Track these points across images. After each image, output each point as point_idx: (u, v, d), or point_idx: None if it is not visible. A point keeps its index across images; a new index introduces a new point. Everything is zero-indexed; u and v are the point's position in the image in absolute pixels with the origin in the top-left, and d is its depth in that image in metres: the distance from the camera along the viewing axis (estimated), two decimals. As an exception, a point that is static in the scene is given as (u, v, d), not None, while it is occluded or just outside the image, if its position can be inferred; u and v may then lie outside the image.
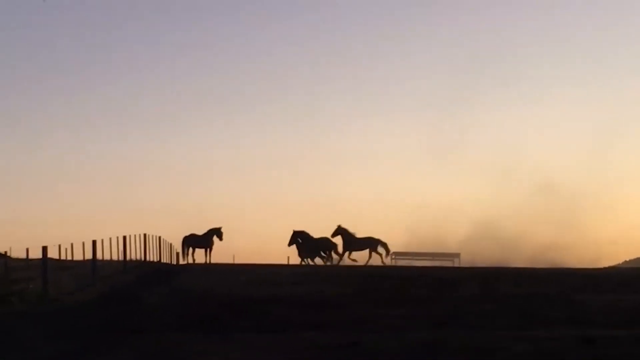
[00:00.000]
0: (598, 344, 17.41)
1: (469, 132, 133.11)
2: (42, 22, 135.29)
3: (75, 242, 38.72)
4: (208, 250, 60.53)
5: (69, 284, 32.25)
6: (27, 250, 37.07)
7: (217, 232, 60.82)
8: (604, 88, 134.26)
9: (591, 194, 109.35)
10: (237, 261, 61.30)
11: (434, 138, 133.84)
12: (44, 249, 29.74)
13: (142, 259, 51.66)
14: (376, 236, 58.90)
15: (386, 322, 21.61)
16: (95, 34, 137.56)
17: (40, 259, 30.05)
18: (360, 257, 59.29)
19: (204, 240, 60.72)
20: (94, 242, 37.01)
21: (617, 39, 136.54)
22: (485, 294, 29.23)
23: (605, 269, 55.75)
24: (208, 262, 59.15)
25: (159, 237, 60.05)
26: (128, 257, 45.31)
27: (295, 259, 59.11)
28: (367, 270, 43.89)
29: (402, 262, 69.85)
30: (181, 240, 61.77)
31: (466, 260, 72.17)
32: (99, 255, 37.49)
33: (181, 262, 61.34)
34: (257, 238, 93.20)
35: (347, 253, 58.65)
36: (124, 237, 44.84)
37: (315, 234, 59.38)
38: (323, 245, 58.97)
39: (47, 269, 29.44)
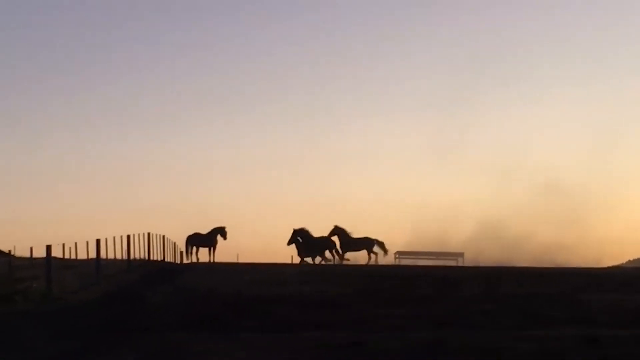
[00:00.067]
0: (601, 344, 17.40)
1: (471, 131, 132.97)
2: (42, 22, 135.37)
3: (79, 241, 38.78)
4: (212, 249, 60.58)
5: (73, 283, 32.30)
6: (31, 249, 37.10)
7: (221, 231, 60.87)
8: (606, 88, 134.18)
9: (594, 193, 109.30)
10: (241, 260, 61.37)
11: (436, 138, 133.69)
12: (48, 247, 29.80)
13: (146, 258, 51.72)
14: (381, 235, 59.03)
15: (389, 322, 21.62)
16: (95, 34, 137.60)
17: (44, 257, 30.10)
18: (359, 257, 59.37)
19: (208, 240, 60.77)
20: (98, 241, 37.07)
21: (617, 38, 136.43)
22: (488, 293, 29.23)
23: (608, 268, 55.75)
24: (212, 261, 59.19)
25: (163, 236, 60.11)
26: (132, 256, 45.38)
27: (297, 258, 59.15)
28: (370, 270, 43.93)
29: (405, 262, 69.83)
30: (185, 239, 61.85)
31: (470, 259, 72.12)
32: (102, 254, 37.56)
33: (185, 261, 61.41)
34: (261, 237, 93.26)
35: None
36: (128, 236, 44.91)
37: (318, 233, 59.43)
38: (323, 245, 59.00)
39: (51, 267, 29.50)
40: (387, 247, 59.75)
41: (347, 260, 58.33)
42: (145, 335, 19.54)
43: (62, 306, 26.44)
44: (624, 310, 24.65)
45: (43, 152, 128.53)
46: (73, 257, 39.28)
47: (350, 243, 58.96)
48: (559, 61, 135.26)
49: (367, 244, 59.01)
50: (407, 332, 19.53)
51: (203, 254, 60.82)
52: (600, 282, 34.61)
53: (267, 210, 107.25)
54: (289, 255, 61.18)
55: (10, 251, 44.18)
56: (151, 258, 53.37)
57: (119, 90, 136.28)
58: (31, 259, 36.20)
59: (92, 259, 37.44)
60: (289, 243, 58.90)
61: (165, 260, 59.54)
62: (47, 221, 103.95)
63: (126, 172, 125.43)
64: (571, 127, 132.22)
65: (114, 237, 41.81)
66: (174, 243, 65.35)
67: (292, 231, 58.83)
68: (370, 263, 57.59)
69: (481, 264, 59.14)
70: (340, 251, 58.97)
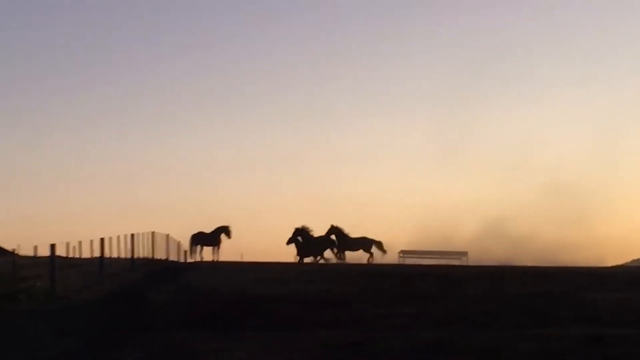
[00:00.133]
0: (606, 343, 17.37)
1: (475, 130, 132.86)
2: (42, 22, 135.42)
3: (83, 240, 38.81)
4: (216, 248, 60.68)
5: (77, 282, 32.31)
6: (35, 248, 37.20)
7: (225, 230, 60.95)
8: (610, 87, 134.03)
9: (598, 192, 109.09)
10: (245, 259, 61.36)
11: (441, 137, 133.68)
12: (52, 246, 29.80)
13: (150, 256, 51.74)
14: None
15: (392, 321, 21.59)
16: (95, 34, 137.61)
17: (48, 256, 30.12)
18: (362, 256, 59.39)
19: (212, 238, 60.87)
20: (102, 240, 37.10)
21: (620, 38, 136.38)
22: (492, 292, 29.20)
23: (612, 267, 55.73)
24: (216, 260, 59.26)
25: (167, 235, 60.16)
26: (136, 255, 45.40)
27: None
28: (373, 269, 43.92)
29: (409, 261, 69.79)
30: (189, 238, 61.91)
31: (474, 258, 72.06)
32: (106, 253, 37.58)
33: (189, 260, 61.45)
34: (266, 236, 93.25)
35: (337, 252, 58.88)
36: (132, 235, 44.92)
37: (321, 233, 59.47)
38: (323, 244, 59.02)
39: (54, 266, 29.50)
40: (385, 247, 59.72)
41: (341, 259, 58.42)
42: (149, 334, 19.53)
43: (65, 305, 26.45)
44: (629, 309, 24.60)
45: (47, 151, 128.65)
46: (77, 256, 39.30)
47: (347, 242, 58.96)
48: (562, 61, 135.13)
49: (364, 243, 59.01)
50: (410, 332, 19.50)
51: (207, 253, 60.93)
52: (604, 281, 34.57)
53: (272, 210, 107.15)
54: (293, 254, 61.23)
55: (14, 250, 44.31)
56: (155, 257, 53.40)
57: (120, 90, 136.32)
58: (35, 257, 36.27)
59: (95, 257, 37.47)
60: (289, 242, 58.89)
61: (169, 259, 59.59)
62: (51, 220, 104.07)
63: (130, 171, 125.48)
64: (575, 127, 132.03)
65: (118, 236, 41.85)
66: (178, 242, 65.41)
67: (293, 230, 58.85)
68: (370, 262, 57.57)
69: (485, 263, 59.10)
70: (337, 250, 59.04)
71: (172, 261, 59.01)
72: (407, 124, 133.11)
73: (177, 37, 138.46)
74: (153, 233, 53.37)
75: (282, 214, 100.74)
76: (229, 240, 61.37)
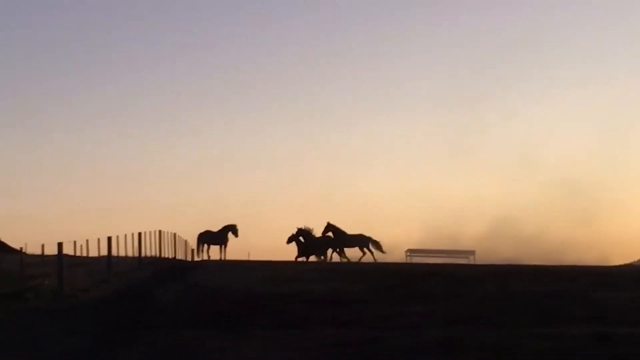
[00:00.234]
0: (613, 342, 17.31)
1: (484, 129, 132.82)
2: (42, 22, 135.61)
3: (90, 239, 38.85)
4: (223, 246, 60.65)
5: (84, 280, 32.35)
6: (43, 246, 37.22)
7: (232, 228, 60.93)
8: (623, 86, 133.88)
9: (605, 191, 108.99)
10: (253, 258, 61.34)
11: (449, 136, 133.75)
12: (59, 245, 29.83)
13: (157, 255, 51.77)
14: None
15: (402, 320, 21.56)
16: (95, 34, 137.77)
17: (55, 255, 30.15)
18: (358, 254, 59.33)
19: (219, 237, 60.84)
20: (109, 239, 37.12)
21: (620, 38, 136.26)
22: (501, 291, 29.14)
23: (619, 266, 55.62)
24: (223, 258, 59.25)
25: (174, 234, 60.21)
26: (143, 254, 45.42)
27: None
28: (382, 268, 43.86)
29: (417, 259, 69.70)
30: (196, 236, 61.91)
31: (482, 257, 71.95)
32: (114, 252, 37.62)
33: (196, 258, 61.46)
34: (273, 235, 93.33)
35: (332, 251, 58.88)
36: (139, 234, 44.96)
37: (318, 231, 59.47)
38: (325, 244, 59.01)
39: (62, 265, 29.53)
40: (385, 249, 59.55)
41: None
42: (156, 332, 19.52)
43: (73, 303, 26.47)
44: (637, 308, 24.51)
45: (54, 150, 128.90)
46: (84, 254, 39.35)
47: (344, 240, 58.93)
48: (571, 60, 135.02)
49: (360, 240, 58.94)
50: (420, 330, 19.46)
51: (214, 252, 60.92)
52: (613, 280, 34.48)
53: (279, 209, 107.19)
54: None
55: (21, 248, 44.29)
56: (162, 255, 53.43)
57: (121, 90, 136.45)
58: (42, 256, 36.31)
59: (103, 256, 37.50)
60: (289, 241, 58.86)
61: (177, 257, 59.62)
62: (59, 219, 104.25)
63: (138, 170, 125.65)
64: (583, 126, 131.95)
65: (125, 235, 41.90)
66: (185, 241, 65.45)
67: (296, 230, 58.82)
68: (375, 260, 57.47)
69: (493, 262, 59.00)
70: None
71: (180, 260, 59.04)
72: (415, 123, 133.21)
73: (177, 37, 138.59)
74: (160, 232, 53.39)
75: (289, 213, 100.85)
76: (236, 239, 61.37)
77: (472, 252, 74.72)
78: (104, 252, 37.37)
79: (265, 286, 30.66)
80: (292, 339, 18.36)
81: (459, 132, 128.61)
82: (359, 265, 49.98)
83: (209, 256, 60.62)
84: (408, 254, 73.72)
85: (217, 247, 60.86)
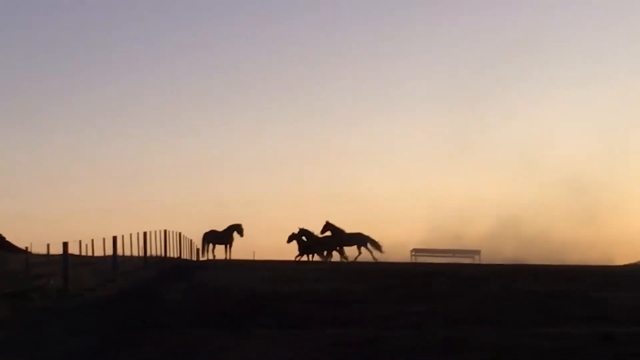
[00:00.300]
0: (617, 341, 17.34)
1: (488, 129, 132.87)
2: (42, 22, 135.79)
3: (95, 238, 39.02)
4: (228, 246, 60.74)
5: (90, 280, 32.46)
6: (48, 246, 37.33)
7: (237, 228, 61.02)
8: (627, 86, 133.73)
9: (608, 191, 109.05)
10: (257, 257, 61.46)
11: (454, 135, 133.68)
12: (65, 244, 29.92)
13: (163, 255, 51.89)
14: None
15: (405, 319, 21.60)
16: (95, 34, 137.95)
17: (61, 254, 30.24)
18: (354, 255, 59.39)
19: (224, 237, 60.93)
20: (115, 238, 37.20)
21: (620, 38, 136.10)
22: (504, 291, 29.17)
23: (623, 266, 55.62)
24: (228, 258, 59.34)
25: (179, 233, 60.34)
26: (148, 253, 45.54)
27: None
28: (385, 267, 43.91)
29: (421, 259, 69.78)
30: (201, 236, 62.01)
31: (486, 257, 72.03)
32: (119, 251, 37.71)
33: (201, 258, 61.57)
34: (278, 235, 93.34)
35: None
36: (145, 233, 45.07)
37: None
38: (326, 244, 59.08)
39: (67, 264, 29.62)
40: (382, 248, 59.57)
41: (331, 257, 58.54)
42: (161, 331, 19.59)
43: (78, 303, 26.56)
44: (641, 308, 24.55)
45: (60, 150, 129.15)
46: (90, 254, 39.50)
47: (343, 238, 58.99)
48: (571, 60, 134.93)
49: (358, 239, 59.00)
50: (423, 330, 19.51)
51: (219, 251, 61.00)
52: (616, 280, 34.52)
53: (284, 208, 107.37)
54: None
55: (27, 248, 44.41)
56: (167, 255, 53.54)
57: (121, 90, 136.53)
58: (48, 255, 36.41)
59: (108, 256, 37.60)
60: (289, 240, 58.91)
61: (182, 257, 59.72)
62: (64, 218, 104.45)
63: (143, 170, 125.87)
64: (586, 126, 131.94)
65: (131, 234, 42.01)
66: (191, 240, 65.58)
67: (298, 230, 58.88)
68: (374, 259, 57.49)
69: (497, 262, 59.02)
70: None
71: (185, 259, 59.14)
72: (417, 123, 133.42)
73: (177, 37, 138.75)
74: (165, 231, 53.52)
75: (294, 213, 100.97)
76: (241, 238, 61.47)
77: (477, 252, 74.83)
78: (109, 251, 37.48)
79: (270, 286, 30.72)
80: (295, 338, 18.41)
81: (462, 132, 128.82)
82: (361, 265, 49.99)
83: (214, 256, 60.72)
84: (413, 253, 73.84)
85: (223, 246, 60.95)
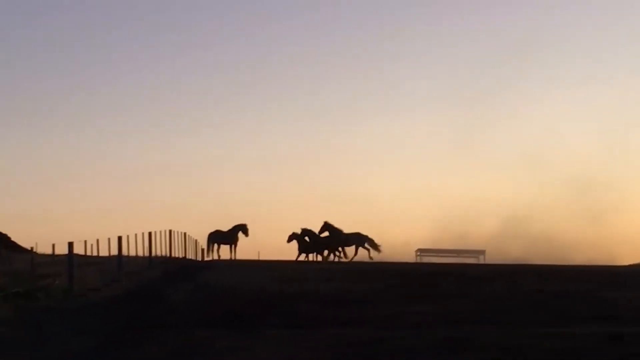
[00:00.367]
0: (624, 341, 17.29)
1: (493, 129, 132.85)
2: (42, 22, 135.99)
3: (101, 238, 38.97)
4: (233, 246, 60.68)
5: (95, 280, 32.42)
6: (53, 246, 37.39)
7: (242, 228, 60.97)
8: (632, 86, 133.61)
9: (613, 191, 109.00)
10: (262, 257, 61.42)
11: (459, 135, 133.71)
12: (70, 244, 29.89)
13: (168, 255, 51.87)
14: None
15: (411, 319, 21.56)
16: (95, 34, 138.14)
17: (66, 254, 30.21)
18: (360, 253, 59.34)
19: (229, 237, 60.88)
20: (120, 238, 37.18)
21: (620, 38, 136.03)
22: (510, 291, 29.12)
23: (628, 266, 55.54)
24: (233, 258, 59.31)
25: (184, 233, 60.32)
26: (153, 253, 45.51)
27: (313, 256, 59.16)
28: (391, 268, 43.86)
29: (426, 259, 69.77)
30: (206, 236, 61.98)
31: (491, 257, 72.01)
32: (124, 251, 37.68)
33: (206, 258, 61.55)
34: (283, 235, 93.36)
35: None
36: (150, 233, 45.03)
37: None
38: (328, 244, 59.04)
39: (73, 264, 29.58)
40: (380, 247, 59.51)
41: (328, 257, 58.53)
42: (167, 332, 19.57)
43: (83, 303, 26.53)
44: (648, 307, 24.49)
45: (65, 150, 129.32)
46: (95, 254, 39.46)
47: (341, 239, 58.94)
48: (571, 60, 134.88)
49: (357, 239, 58.92)
50: (430, 329, 19.47)
51: (224, 251, 60.98)
52: (622, 280, 34.46)
53: (289, 208, 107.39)
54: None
55: (32, 248, 44.47)
56: (172, 255, 53.52)
57: (122, 89, 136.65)
58: (53, 255, 36.43)
59: (113, 256, 37.58)
60: (290, 240, 58.85)
61: (187, 257, 59.71)
62: (69, 218, 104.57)
63: (148, 170, 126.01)
64: (589, 126, 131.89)
65: (136, 234, 41.97)
66: (196, 240, 65.57)
67: (300, 230, 58.86)
68: (370, 258, 57.43)
69: (503, 262, 58.95)
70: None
71: (190, 259, 59.13)
72: (419, 123, 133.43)
73: (177, 37, 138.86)
74: (170, 231, 53.49)
75: (299, 213, 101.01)
76: (246, 238, 61.43)
77: (482, 252, 74.83)
78: (114, 251, 37.47)
79: (275, 286, 30.68)
80: (302, 338, 18.39)
81: (464, 131, 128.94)
82: (365, 265, 49.93)
83: (219, 256, 60.69)
84: (418, 253, 73.86)
85: (227, 246, 60.92)
